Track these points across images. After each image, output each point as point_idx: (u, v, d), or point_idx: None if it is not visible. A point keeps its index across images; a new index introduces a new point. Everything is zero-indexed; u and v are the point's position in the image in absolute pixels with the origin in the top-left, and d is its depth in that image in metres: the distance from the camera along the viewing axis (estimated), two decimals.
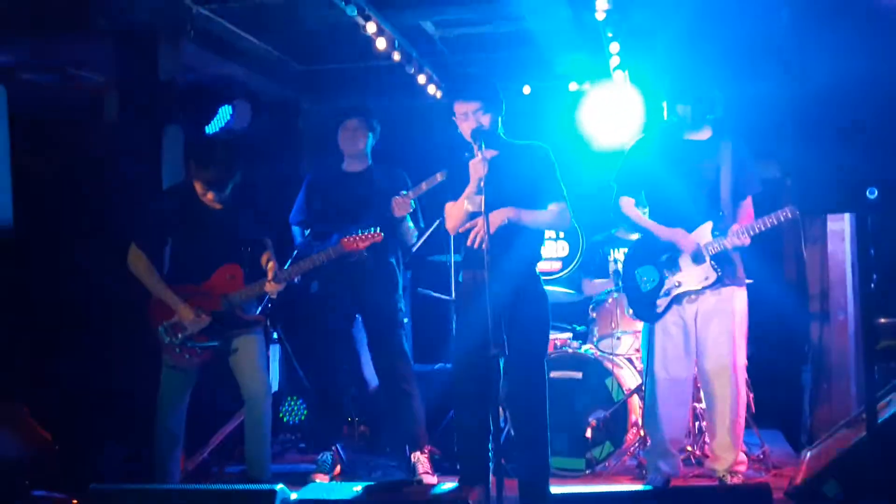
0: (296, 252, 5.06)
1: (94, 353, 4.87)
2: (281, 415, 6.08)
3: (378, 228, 4.58)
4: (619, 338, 5.34)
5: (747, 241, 4.28)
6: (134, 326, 4.58)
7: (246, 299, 4.48)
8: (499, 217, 3.84)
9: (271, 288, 4.45)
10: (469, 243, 3.82)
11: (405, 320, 5.04)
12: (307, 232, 5.07)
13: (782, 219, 4.20)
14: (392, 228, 4.84)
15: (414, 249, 5.25)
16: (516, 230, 3.92)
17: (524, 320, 3.96)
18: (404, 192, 4.76)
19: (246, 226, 4.53)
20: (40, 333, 5.00)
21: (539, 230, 4.14)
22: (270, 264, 4.49)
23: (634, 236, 4.92)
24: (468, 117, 3.92)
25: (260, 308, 4.69)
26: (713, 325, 4.36)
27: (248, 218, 4.55)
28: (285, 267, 4.59)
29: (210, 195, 4.40)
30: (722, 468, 4.37)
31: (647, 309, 4.44)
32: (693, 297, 4.37)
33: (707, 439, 4.49)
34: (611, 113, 6.24)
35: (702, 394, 4.55)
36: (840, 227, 5.30)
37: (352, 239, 4.56)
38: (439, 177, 4.53)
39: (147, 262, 4.41)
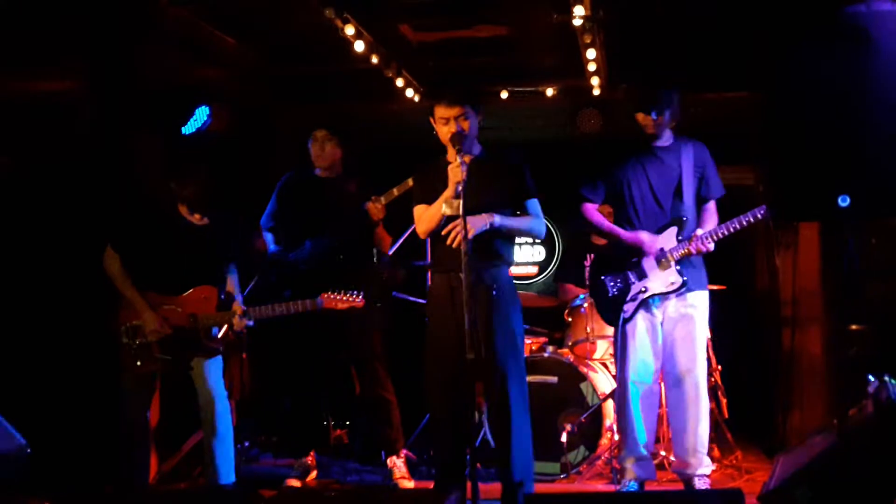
0: (270, 256, 5.04)
1: (65, 354, 4.83)
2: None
3: (361, 295, 4.49)
4: (594, 342, 5.37)
5: (711, 248, 4.31)
6: (101, 325, 4.57)
7: (213, 324, 4.49)
8: (480, 222, 3.85)
9: (239, 325, 4.47)
10: (449, 243, 3.81)
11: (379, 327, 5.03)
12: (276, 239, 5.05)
13: (745, 223, 4.23)
14: (366, 234, 4.84)
15: (390, 253, 5.25)
16: (492, 235, 3.94)
17: (500, 324, 3.97)
18: (376, 197, 4.77)
19: (225, 245, 4.57)
20: (5, 336, 4.94)
21: (512, 236, 4.16)
22: (235, 305, 4.49)
23: (604, 242, 4.95)
24: (449, 122, 3.93)
25: (221, 332, 4.60)
26: (678, 329, 4.40)
27: (229, 238, 4.59)
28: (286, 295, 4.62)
29: (196, 216, 4.48)
30: (688, 472, 4.40)
31: (615, 314, 4.47)
32: (659, 301, 4.41)
33: (673, 443, 4.52)
34: (586, 119, 6.31)
35: (667, 397, 4.57)
36: (812, 234, 5.35)
37: (332, 297, 4.48)
38: (410, 182, 4.51)
39: (120, 266, 4.44)
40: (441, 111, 3.95)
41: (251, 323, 4.48)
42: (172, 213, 4.48)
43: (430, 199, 4.00)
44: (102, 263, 4.45)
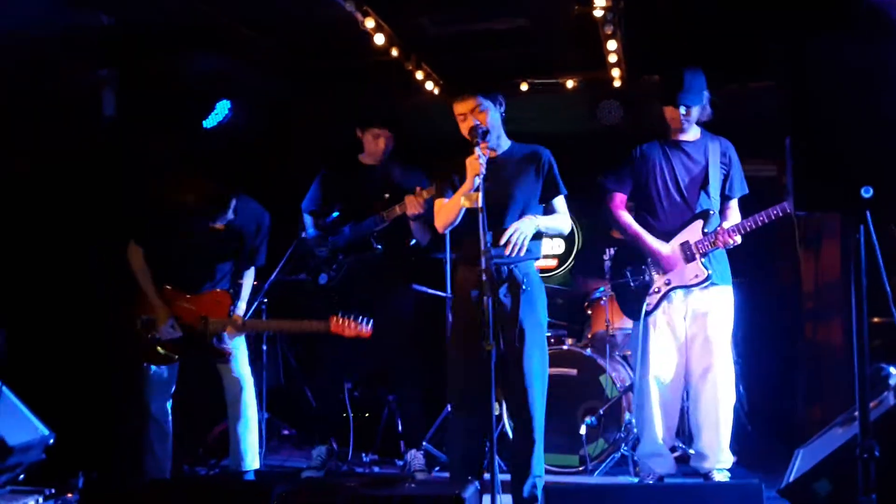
0: (300, 242, 5.05)
1: (85, 346, 4.88)
2: None
3: (370, 323, 4.46)
4: (613, 335, 5.36)
5: (738, 240, 4.30)
6: (121, 320, 4.63)
7: (221, 329, 4.55)
8: (530, 227, 3.92)
9: (231, 332, 4.54)
10: (508, 253, 3.86)
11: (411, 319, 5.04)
12: (320, 222, 5.05)
13: (773, 217, 4.22)
14: (404, 223, 4.85)
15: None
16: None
17: (529, 318, 4.00)
18: (420, 190, 4.69)
19: (243, 248, 4.65)
20: (25, 330, 4.99)
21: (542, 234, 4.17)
22: (235, 315, 4.56)
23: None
24: (466, 117, 3.95)
25: (230, 342, 4.65)
26: (701, 323, 4.37)
27: (249, 241, 4.65)
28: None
29: (218, 225, 4.56)
30: (707, 466, 4.38)
31: (636, 307, 4.46)
32: (682, 295, 4.38)
33: (694, 437, 4.51)
34: (606, 111, 6.27)
35: (688, 391, 4.56)
36: (834, 225, 5.31)
37: (340, 323, 4.43)
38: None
39: (142, 259, 4.53)
40: (457, 107, 3.99)
41: (242, 336, 4.56)
42: (192, 214, 4.55)
43: (444, 194, 4.05)
44: (126, 255, 4.54)
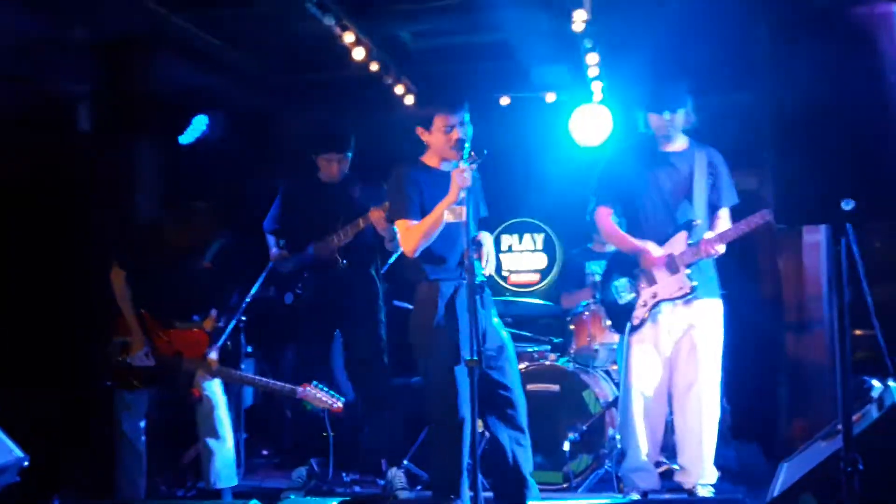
0: (270, 264, 5.02)
1: (62, 363, 4.83)
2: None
3: (342, 402, 4.49)
4: (596, 350, 5.32)
5: (721, 250, 4.27)
6: (99, 336, 4.60)
7: (194, 370, 4.51)
8: (490, 244, 3.97)
9: (201, 374, 4.52)
10: (484, 265, 3.89)
11: (383, 334, 4.99)
12: (282, 242, 5.03)
13: (753, 225, 4.19)
14: (374, 238, 4.81)
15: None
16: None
17: (502, 331, 4.03)
18: (382, 204, 4.70)
19: (218, 286, 4.67)
20: (5, 344, 4.93)
21: None
22: (210, 360, 4.52)
23: (612, 247, 4.91)
24: (453, 129, 3.90)
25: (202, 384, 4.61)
26: (687, 337, 4.35)
27: (224, 279, 4.68)
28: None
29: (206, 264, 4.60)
30: (691, 481, 4.35)
31: (624, 321, 4.43)
32: (669, 308, 4.36)
33: (678, 452, 4.48)
34: (588, 123, 6.27)
35: (674, 406, 4.53)
36: (816, 238, 5.32)
37: (310, 393, 4.44)
38: None
39: (124, 283, 4.52)
40: (447, 119, 3.91)
41: (212, 380, 4.54)
42: (172, 245, 4.57)
43: (410, 212, 3.95)
44: (109, 277, 4.53)
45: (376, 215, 4.62)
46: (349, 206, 4.83)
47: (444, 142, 3.93)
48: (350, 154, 4.91)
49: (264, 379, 4.62)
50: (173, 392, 4.50)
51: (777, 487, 3.72)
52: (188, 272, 4.58)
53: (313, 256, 4.85)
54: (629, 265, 4.46)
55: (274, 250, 5.02)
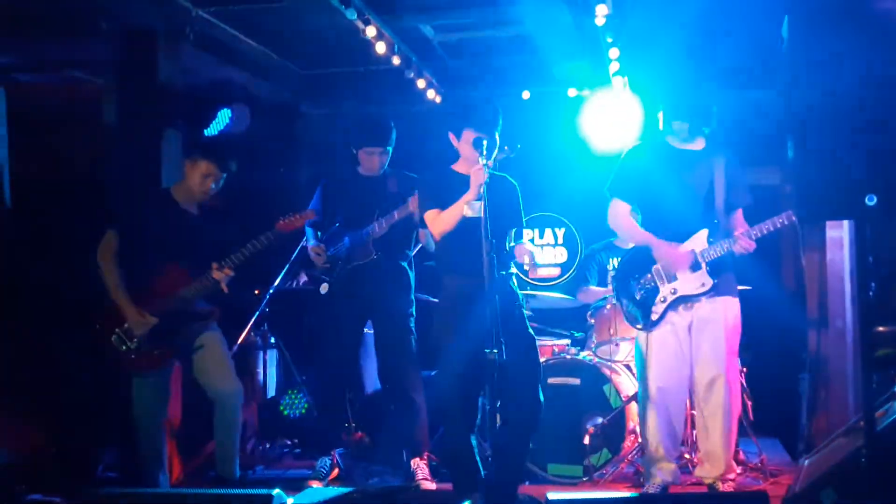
0: (302, 250, 5.06)
1: (88, 355, 4.86)
2: (281, 408, 6.05)
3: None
4: (617, 344, 5.33)
5: (753, 246, 4.28)
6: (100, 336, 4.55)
7: (196, 294, 4.44)
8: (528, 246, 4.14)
9: (218, 275, 4.40)
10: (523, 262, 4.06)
11: (412, 326, 5.02)
12: (320, 234, 5.05)
13: (779, 224, 4.20)
14: (407, 231, 4.83)
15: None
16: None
17: (516, 324, 4.07)
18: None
19: (213, 231, 4.55)
20: (31, 336, 4.98)
21: None
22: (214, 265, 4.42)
23: (632, 243, 4.91)
24: (481, 143, 3.98)
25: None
26: (707, 333, 4.35)
27: (218, 225, 4.58)
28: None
29: (208, 183, 4.46)
30: (711, 475, 4.35)
31: (642, 317, 4.43)
32: (688, 304, 4.36)
33: (699, 446, 4.48)
34: (610, 118, 6.25)
35: (694, 401, 4.53)
36: (839, 234, 5.28)
37: (287, 220, 4.52)
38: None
39: (114, 255, 4.38)
40: (473, 134, 4.02)
41: (232, 271, 4.41)
42: (168, 203, 4.49)
43: (435, 204, 4.13)
44: (98, 248, 4.40)
45: (416, 203, 4.63)
46: (386, 198, 4.87)
47: (470, 152, 4.03)
48: (391, 148, 4.95)
49: (253, 240, 4.46)
50: (191, 329, 4.43)
51: (798, 484, 3.72)
52: (181, 226, 4.47)
53: (349, 248, 4.89)
54: (648, 260, 4.46)
55: (312, 242, 5.05)
